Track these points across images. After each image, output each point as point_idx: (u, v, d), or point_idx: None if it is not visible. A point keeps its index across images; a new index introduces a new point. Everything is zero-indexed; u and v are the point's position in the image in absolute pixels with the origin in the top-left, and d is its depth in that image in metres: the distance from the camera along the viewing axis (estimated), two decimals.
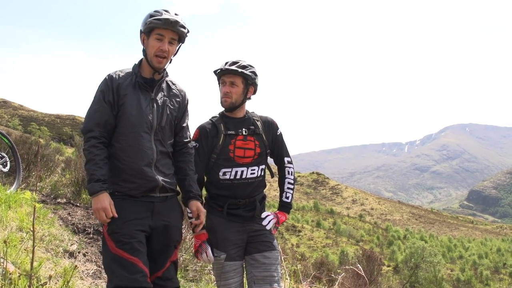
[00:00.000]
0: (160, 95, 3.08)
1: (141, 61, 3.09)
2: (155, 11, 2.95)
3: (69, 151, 26.23)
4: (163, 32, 2.93)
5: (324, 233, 70.51)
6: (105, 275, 4.59)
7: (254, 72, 3.38)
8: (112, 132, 2.96)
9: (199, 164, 3.32)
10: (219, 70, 3.37)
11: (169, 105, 3.10)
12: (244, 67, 3.34)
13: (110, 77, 2.99)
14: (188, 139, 3.26)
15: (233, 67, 3.31)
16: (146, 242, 2.89)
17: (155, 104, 3.02)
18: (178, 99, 3.17)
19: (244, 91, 3.38)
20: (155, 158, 2.97)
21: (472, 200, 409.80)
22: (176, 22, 2.92)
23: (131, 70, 3.07)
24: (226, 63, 3.36)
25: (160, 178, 2.97)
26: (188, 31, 3.02)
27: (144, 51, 3.03)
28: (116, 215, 2.79)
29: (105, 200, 2.77)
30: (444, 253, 66.39)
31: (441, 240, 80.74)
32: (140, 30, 3.02)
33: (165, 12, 2.94)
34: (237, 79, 3.34)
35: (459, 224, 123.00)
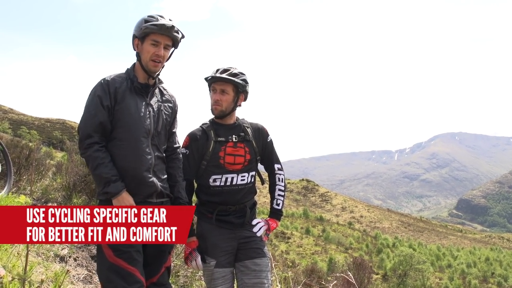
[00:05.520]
0: (154, 99, 3.06)
1: (134, 65, 3.06)
2: (149, 16, 2.94)
3: (59, 155, 26.01)
4: (158, 38, 2.92)
5: (313, 240, 70.42)
6: (96, 280, 4.60)
7: (245, 80, 3.39)
8: (108, 138, 2.91)
9: (189, 171, 3.33)
10: (210, 78, 3.37)
11: (164, 110, 3.10)
12: (235, 75, 3.34)
13: (106, 81, 2.92)
14: (178, 145, 3.26)
15: (224, 75, 3.31)
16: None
17: (151, 109, 3.01)
18: (170, 105, 3.17)
19: (235, 99, 3.40)
20: (153, 163, 2.96)
21: (461, 209, 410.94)
22: (172, 27, 2.92)
23: (124, 74, 3.02)
24: (217, 70, 3.36)
25: (158, 183, 2.97)
26: (182, 36, 3.02)
27: (138, 56, 3.00)
28: None
29: (130, 198, 2.79)
30: (432, 261, 66.52)
31: (429, 249, 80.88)
32: (134, 35, 2.98)
33: (161, 18, 2.93)
34: (228, 87, 3.34)
35: (448, 233, 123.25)
